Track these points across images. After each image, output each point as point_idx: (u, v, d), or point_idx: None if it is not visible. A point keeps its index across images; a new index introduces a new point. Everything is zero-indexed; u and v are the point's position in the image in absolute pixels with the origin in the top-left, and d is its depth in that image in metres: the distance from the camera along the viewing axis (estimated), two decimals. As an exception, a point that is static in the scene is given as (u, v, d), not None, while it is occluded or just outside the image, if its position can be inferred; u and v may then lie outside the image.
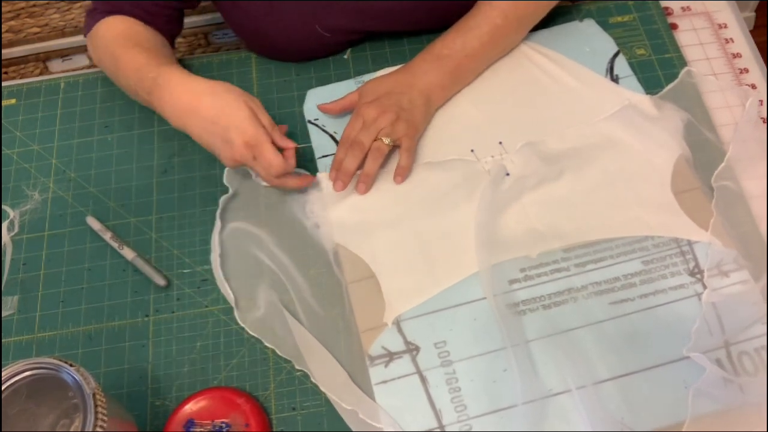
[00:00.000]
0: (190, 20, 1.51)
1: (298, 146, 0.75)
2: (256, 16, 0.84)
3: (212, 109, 0.71)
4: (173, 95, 0.73)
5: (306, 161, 0.82)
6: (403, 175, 0.78)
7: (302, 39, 0.86)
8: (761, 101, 0.82)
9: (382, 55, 0.88)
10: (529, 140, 0.79)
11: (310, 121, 0.84)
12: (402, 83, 0.80)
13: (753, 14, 1.66)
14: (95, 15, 0.83)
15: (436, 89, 0.81)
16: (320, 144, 0.83)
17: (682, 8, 0.90)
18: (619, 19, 0.89)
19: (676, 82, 0.83)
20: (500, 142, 0.80)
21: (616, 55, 0.85)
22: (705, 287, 0.70)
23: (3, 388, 0.58)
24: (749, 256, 0.72)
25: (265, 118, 0.73)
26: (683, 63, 0.85)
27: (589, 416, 0.64)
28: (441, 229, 0.75)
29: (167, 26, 0.85)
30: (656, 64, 0.85)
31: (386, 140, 0.76)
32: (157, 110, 0.76)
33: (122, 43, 0.79)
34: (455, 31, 0.82)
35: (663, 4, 0.90)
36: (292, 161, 0.74)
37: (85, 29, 0.85)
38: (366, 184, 0.77)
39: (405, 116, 0.78)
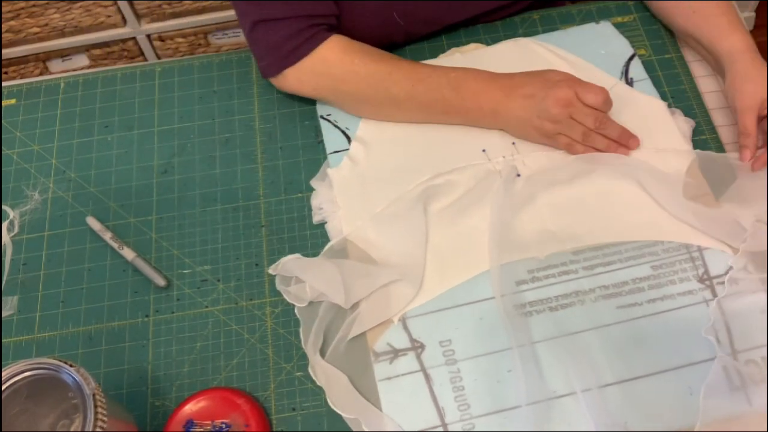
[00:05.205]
0: (190, 20, 1.51)
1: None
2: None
3: (529, 80, 0.76)
4: (486, 83, 0.77)
5: (318, 156, 0.82)
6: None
7: (376, 25, 0.84)
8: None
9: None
10: None
11: (322, 117, 0.84)
12: None
13: (753, 14, 1.66)
14: (309, 40, 0.78)
15: None
16: (332, 140, 0.82)
17: (683, 8, 0.90)
18: (620, 19, 0.89)
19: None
20: (513, 143, 0.79)
21: (631, 58, 0.84)
22: (714, 294, 0.69)
23: (3, 388, 0.58)
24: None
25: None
26: (683, 63, 0.85)
27: (593, 419, 0.64)
28: (450, 227, 0.75)
29: None
30: (656, 64, 0.85)
31: None
32: (462, 103, 0.78)
33: (378, 58, 0.79)
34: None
35: (663, 4, 0.90)
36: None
37: (295, 56, 0.79)
38: None
39: None
